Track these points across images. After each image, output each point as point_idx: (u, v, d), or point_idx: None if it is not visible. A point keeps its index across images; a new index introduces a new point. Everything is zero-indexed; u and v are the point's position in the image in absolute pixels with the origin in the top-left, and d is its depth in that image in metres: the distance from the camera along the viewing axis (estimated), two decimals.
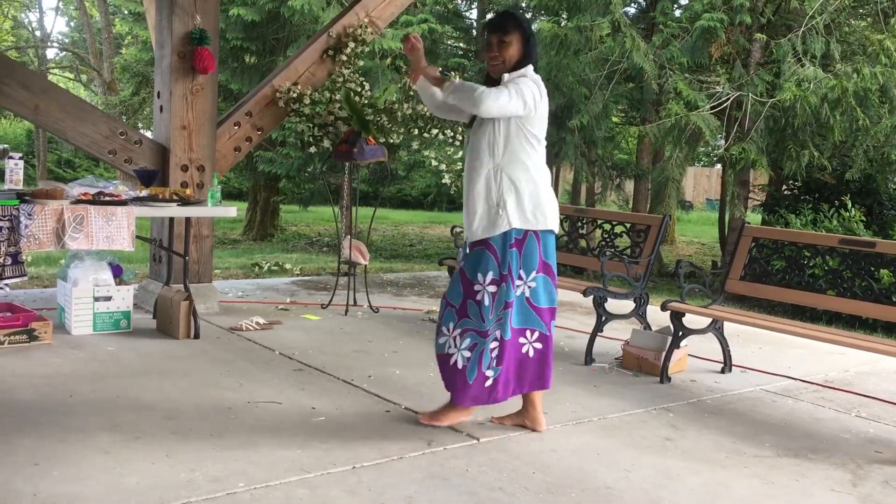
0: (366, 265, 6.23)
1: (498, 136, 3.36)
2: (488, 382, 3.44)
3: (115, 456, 3.06)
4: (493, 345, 3.41)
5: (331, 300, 6.28)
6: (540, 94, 3.37)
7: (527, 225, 3.40)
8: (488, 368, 3.42)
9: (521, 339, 3.50)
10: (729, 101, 8.42)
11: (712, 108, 8.41)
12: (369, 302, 6.16)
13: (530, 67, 3.41)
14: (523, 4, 13.18)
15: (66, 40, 27.98)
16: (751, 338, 5.81)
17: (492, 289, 3.38)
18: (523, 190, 3.37)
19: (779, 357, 5.38)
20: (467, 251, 3.48)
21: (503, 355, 3.43)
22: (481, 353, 3.40)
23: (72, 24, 28.39)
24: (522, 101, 3.28)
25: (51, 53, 26.55)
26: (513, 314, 3.43)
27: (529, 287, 3.47)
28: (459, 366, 3.42)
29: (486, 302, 3.38)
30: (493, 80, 3.47)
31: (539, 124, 3.41)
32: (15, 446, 3.10)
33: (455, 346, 3.43)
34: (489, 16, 14.55)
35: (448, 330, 3.44)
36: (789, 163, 8.52)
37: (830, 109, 7.81)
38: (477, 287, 3.40)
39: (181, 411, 3.61)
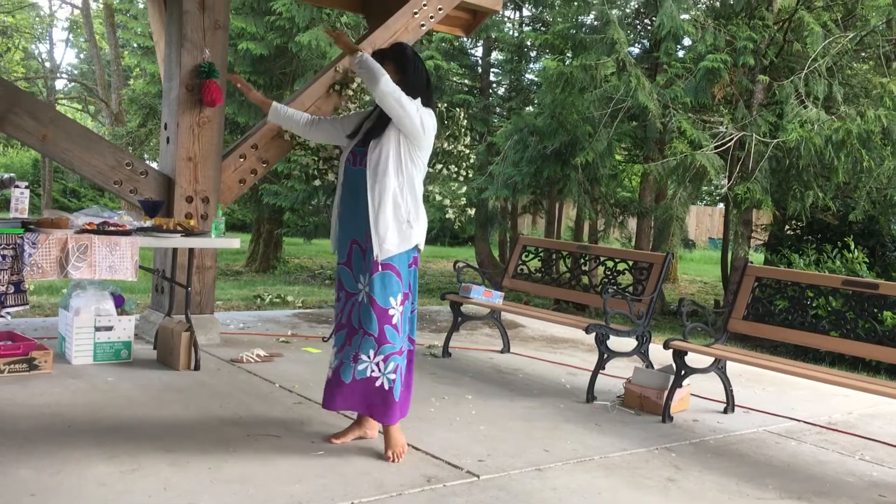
0: None
1: (401, 156, 3.52)
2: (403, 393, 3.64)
3: (113, 488, 3.04)
4: (401, 357, 3.60)
5: (332, 333, 6.26)
6: (428, 120, 3.55)
7: (421, 241, 3.62)
8: (404, 382, 3.63)
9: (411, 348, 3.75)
10: (732, 141, 8.47)
11: (716, 147, 8.45)
12: None
13: (419, 100, 3.55)
14: (528, 43, 13.32)
15: (76, 72, 28.30)
16: (754, 378, 5.78)
17: (401, 308, 3.57)
18: (420, 208, 3.60)
19: (782, 398, 5.35)
20: (368, 277, 3.52)
21: (408, 364, 3.66)
22: (400, 371, 3.58)
23: (81, 55, 28.74)
24: (414, 108, 3.48)
25: (59, 84, 26.84)
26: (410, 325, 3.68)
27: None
28: (386, 387, 3.54)
29: (397, 321, 3.55)
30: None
31: (424, 152, 3.60)
32: (11, 477, 3.08)
33: (379, 370, 3.54)
34: (494, 53, 14.69)
35: (369, 357, 3.53)
36: (793, 203, 8.55)
37: (835, 151, 7.85)
38: (392, 311, 3.54)
39: (179, 443, 3.58)
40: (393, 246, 3.49)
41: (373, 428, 3.81)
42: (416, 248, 3.62)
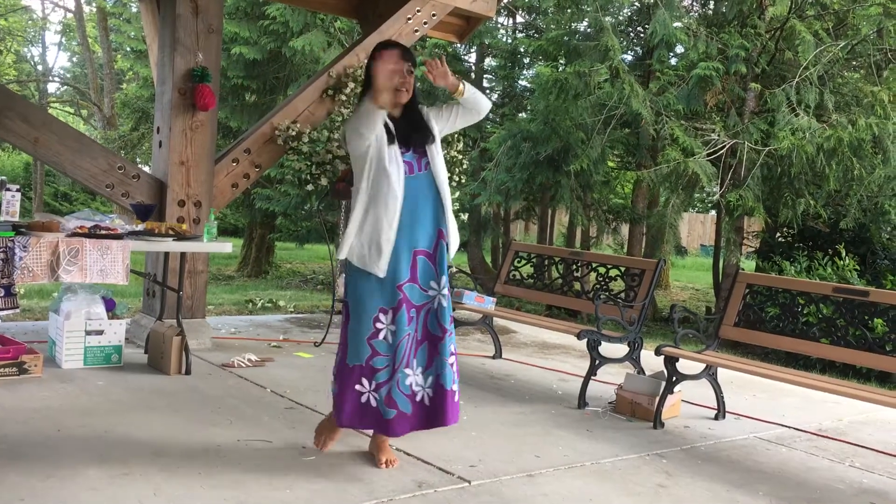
0: None
1: (442, 154, 3.56)
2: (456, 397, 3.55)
3: (103, 492, 3.02)
4: (451, 360, 3.52)
5: (324, 338, 6.26)
6: None
7: None
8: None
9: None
10: (724, 149, 8.50)
11: (708, 154, 8.49)
12: None
13: None
14: (522, 49, 13.36)
15: (68, 75, 28.23)
16: (745, 384, 5.79)
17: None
18: None
19: (773, 404, 5.36)
20: (443, 278, 3.48)
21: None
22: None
23: (74, 59, 28.66)
24: None
25: (52, 88, 26.76)
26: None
27: None
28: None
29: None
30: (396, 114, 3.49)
31: None
32: (0, 482, 3.06)
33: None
34: (488, 59, 14.72)
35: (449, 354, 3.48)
36: (785, 210, 8.59)
37: (826, 159, 7.89)
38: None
39: (170, 448, 3.57)
40: (454, 245, 3.53)
41: None
42: None
